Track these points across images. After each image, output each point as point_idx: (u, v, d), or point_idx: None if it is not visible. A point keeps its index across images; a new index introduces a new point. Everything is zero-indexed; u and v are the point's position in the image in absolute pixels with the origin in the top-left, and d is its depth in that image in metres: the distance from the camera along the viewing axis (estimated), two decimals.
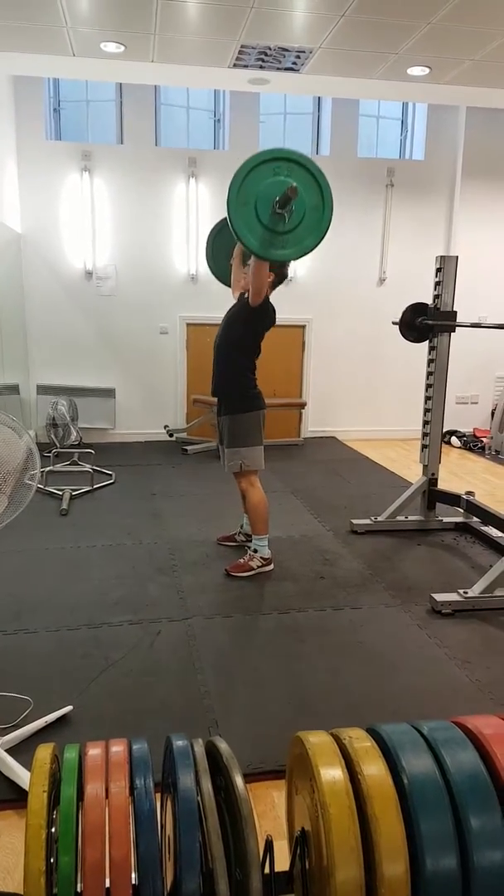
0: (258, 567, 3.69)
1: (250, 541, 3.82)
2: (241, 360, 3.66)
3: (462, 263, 4.30)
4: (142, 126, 6.80)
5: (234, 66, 5.61)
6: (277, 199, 2.97)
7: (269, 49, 5.26)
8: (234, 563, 3.72)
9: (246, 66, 5.65)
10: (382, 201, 7.30)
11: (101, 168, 6.75)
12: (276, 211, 2.99)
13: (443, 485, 4.63)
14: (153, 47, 5.25)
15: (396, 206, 7.32)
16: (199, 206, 6.95)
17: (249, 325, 3.61)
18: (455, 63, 5.51)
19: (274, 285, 3.64)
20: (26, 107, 6.51)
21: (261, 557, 3.71)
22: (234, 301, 3.77)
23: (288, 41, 5.10)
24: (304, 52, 5.30)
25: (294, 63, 5.56)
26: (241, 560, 3.72)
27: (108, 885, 1.20)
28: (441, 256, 4.23)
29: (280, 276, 3.65)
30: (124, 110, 6.80)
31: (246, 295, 3.53)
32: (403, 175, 7.29)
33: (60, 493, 5.07)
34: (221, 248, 4.04)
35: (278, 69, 5.72)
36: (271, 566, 3.74)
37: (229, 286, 4.06)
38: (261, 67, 5.69)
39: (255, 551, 3.72)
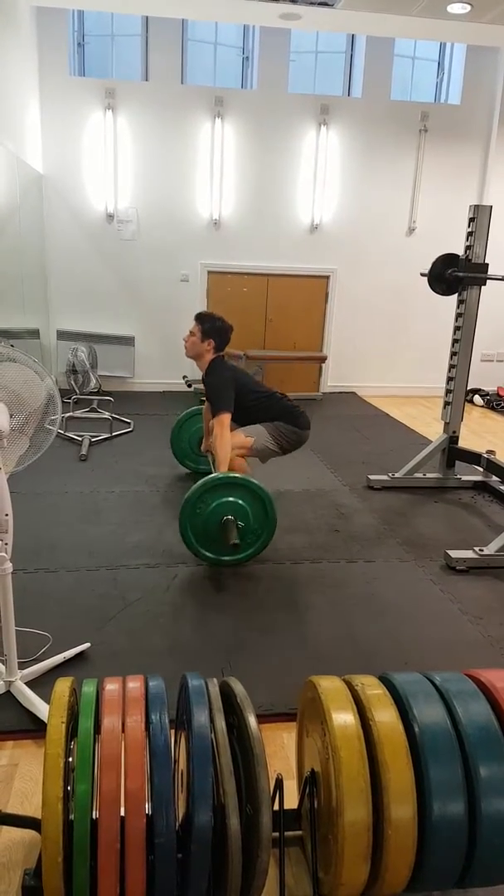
0: None
1: None
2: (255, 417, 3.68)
3: (496, 214, 4.15)
4: (168, 62, 6.56)
5: None
6: (224, 520, 3.07)
7: None
8: None
9: (278, 0, 5.39)
10: (415, 147, 7.03)
11: (124, 106, 6.55)
12: (221, 533, 3.09)
13: (463, 443, 4.58)
14: None
15: (429, 152, 7.05)
16: (224, 148, 6.75)
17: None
18: (497, 0, 5.22)
19: (217, 349, 3.71)
20: (49, 41, 6.30)
21: None
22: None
23: None
24: None
25: None
26: None
27: (122, 813, 1.24)
28: (475, 206, 4.09)
29: (221, 343, 3.71)
30: (150, 46, 6.55)
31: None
32: (438, 120, 6.99)
33: (80, 438, 5.10)
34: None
35: (311, 3, 5.46)
36: None
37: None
38: (293, 1, 5.43)
39: None
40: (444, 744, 1.34)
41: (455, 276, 4.16)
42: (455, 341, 4.30)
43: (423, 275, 4.30)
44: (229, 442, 3.48)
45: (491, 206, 4.08)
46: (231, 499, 3.08)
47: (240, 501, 3.08)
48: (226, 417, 3.48)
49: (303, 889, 1.56)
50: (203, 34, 6.86)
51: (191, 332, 3.72)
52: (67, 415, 5.47)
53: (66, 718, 1.33)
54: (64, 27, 6.34)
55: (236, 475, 3.16)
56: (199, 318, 3.72)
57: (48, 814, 1.21)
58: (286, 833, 1.56)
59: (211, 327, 3.66)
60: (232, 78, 7.01)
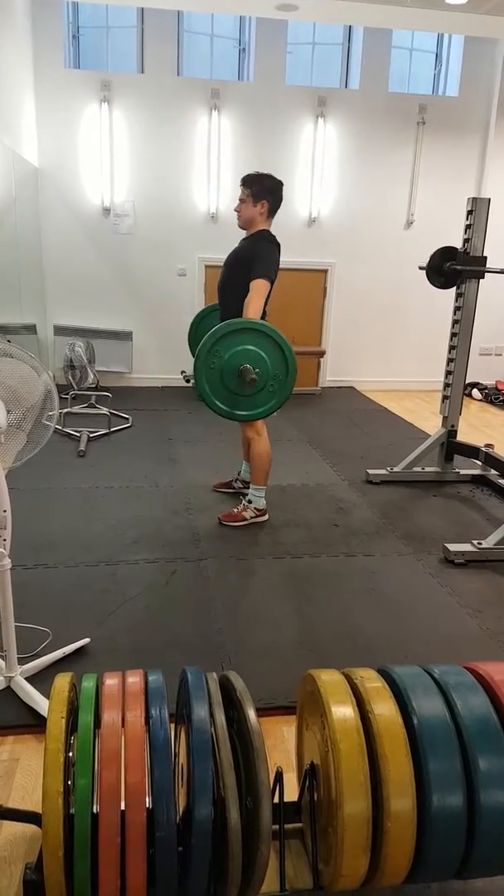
0: (251, 518, 3.63)
1: (248, 488, 3.75)
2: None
3: (494, 206, 4.14)
4: (164, 54, 6.52)
5: None
6: (241, 368, 3.03)
7: None
8: (227, 513, 3.68)
9: None
10: (413, 139, 7.00)
11: (120, 99, 6.51)
12: (238, 380, 3.07)
13: (462, 437, 4.58)
14: None
15: (427, 144, 7.02)
16: (221, 141, 6.71)
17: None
18: None
19: (271, 213, 3.44)
20: (44, 33, 6.25)
21: (255, 508, 3.64)
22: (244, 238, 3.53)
23: None
24: None
25: None
26: (235, 510, 3.67)
27: (123, 807, 1.25)
28: (473, 198, 4.07)
29: (275, 203, 3.43)
30: (145, 37, 6.51)
31: (250, 239, 3.43)
32: (436, 112, 6.96)
33: (78, 434, 5.10)
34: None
35: None
36: (265, 517, 3.68)
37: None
38: None
39: (250, 502, 3.65)
40: (443, 736, 1.34)
41: (453, 269, 4.16)
42: (453, 335, 4.29)
43: (421, 268, 4.29)
44: (261, 310, 3.23)
45: (489, 199, 4.07)
46: (250, 347, 3.00)
47: (261, 352, 3.01)
48: (263, 285, 3.18)
49: (303, 881, 1.56)
50: (199, 26, 6.82)
51: (240, 199, 3.38)
52: (65, 410, 5.46)
53: (66, 713, 1.33)
54: (59, 19, 6.30)
55: (250, 320, 3.06)
56: (246, 180, 3.35)
57: (49, 808, 1.21)
58: (286, 825, 1.56)
59: (260, 188, 3.30)
60: (228, 70, 6.97)
